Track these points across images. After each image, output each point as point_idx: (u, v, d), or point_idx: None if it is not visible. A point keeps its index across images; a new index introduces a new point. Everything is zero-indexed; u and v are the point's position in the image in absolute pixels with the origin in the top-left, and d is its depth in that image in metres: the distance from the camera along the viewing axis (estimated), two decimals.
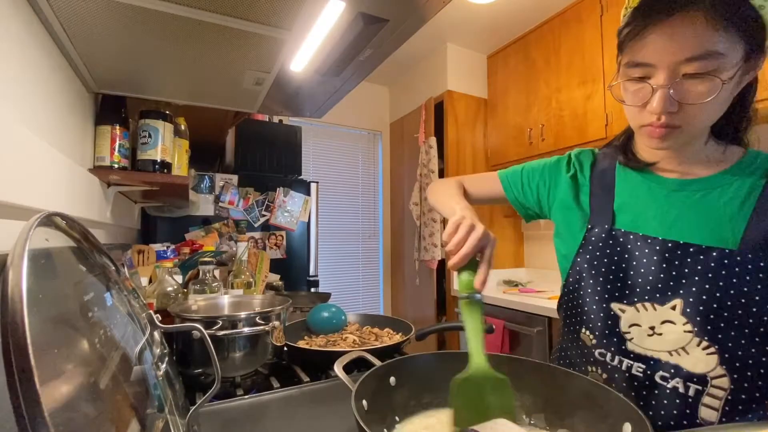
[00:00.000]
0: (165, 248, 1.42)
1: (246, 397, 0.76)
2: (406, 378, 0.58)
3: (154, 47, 0.79)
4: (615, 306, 0.60)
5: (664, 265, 0.56)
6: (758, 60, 0.51)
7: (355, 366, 0.82)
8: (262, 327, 0.81)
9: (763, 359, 0.51)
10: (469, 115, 2.73)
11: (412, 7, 0.69)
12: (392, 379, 0.57)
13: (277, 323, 0.84)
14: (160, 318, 0.54)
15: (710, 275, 0.53)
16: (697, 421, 0.54)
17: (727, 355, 0.52)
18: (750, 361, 0.52)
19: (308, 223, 2.11)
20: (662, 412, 0.56)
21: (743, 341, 0.52)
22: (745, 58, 0.49)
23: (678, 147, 0.58)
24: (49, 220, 0.39)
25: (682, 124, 0.52)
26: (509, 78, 2.58)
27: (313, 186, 2.15)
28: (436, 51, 2.81)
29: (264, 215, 2.00)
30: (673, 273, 0.56)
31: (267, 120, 2.19)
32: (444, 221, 2.61)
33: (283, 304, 0.90)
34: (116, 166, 0.99)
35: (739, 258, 0.52)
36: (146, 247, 1.36)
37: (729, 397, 0.53)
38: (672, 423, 0.55)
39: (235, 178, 1.94)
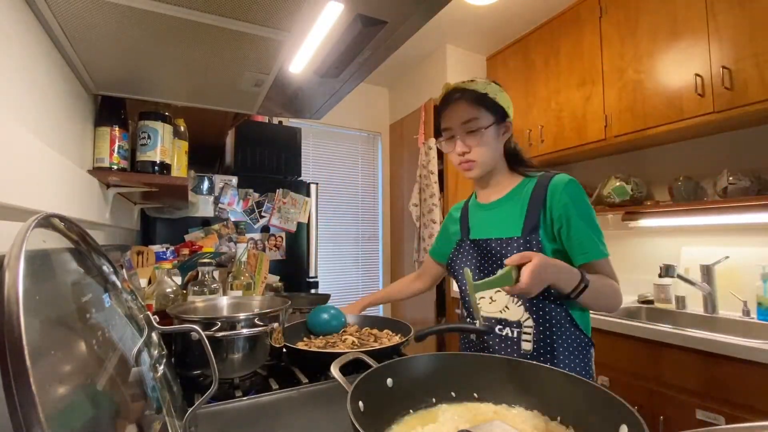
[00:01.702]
0: (164, 249, 1.42)
1: (245, 398, 0.75)
2: (403, 379, 0.58)
3: (153, 49, 0.79)
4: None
5: (488, 254, 0.92)
6: (505, 121, 0.93)
7: (354, 368, 0.81)
8: (261, 328, 0.81)
9: (549, 302, 0.84)
10: None
11: (411, 9, 0.69)
12: (389, 381, 0.57)
13: (276, 324, 0.84)
14: (158, 319, 0.54)
15: (510, 255, 0.78)
16: (522, 351, 0.85)
17: (528, 304, 0.85)
18: (541, 305, 0.84)
19: (308, 225, 2.11)
20: (502, 352, 0.87)
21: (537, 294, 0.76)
22: (496, 121, 0.91)
23: (481, 177, 0.95)
24: (46, 222, 0.39)
25: (475, 158, 0.91)
26: (508, 79, 2.58)
27: (312, 187, 2.15)
28: (436, 52, 2.81)
29: (263, 216, 2.00)
30: (493, 258, 0.90)
31: (267, 121, 2.19)
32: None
33: (282, 306, 0.89)
34: (115, 167, 0.99)
35: (521, 240, 0.86)
36: (145, 248, 1.36)
37: (534, 332, 0.84)
38: (506, 355, 0.77)
39: (234, 180, 1.94)
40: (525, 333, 0.85)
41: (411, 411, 0.58)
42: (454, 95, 0.91)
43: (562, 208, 0.85)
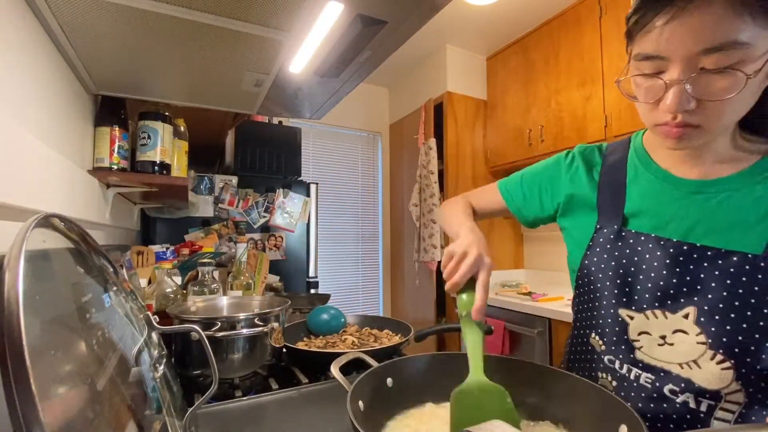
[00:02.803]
0: (164, 249, 1.42)
1: (245, 398, 0.75)
2: (403, 379, 0.58)
3: (153, 49, 0.79)
4: (623, 312, 0.56)
5: (678, 270, 0.51)
6: None
7: (354, 368, 0.81)
8: (260, 328, 0.81)
9: None
10: (469, 117, 2.73)
11: (411, 9, 0.69)
12: (389, 381, 0.57)
13: (276, 324, 0.84)
14: (158, 319, 0.54)
15: (729, 281, 0.48)
16: None
17: (743, 371, 0.48)
18: (764, 373, 0.47)
19: (308, 225, 2.11)
20: (671, 426, 0.52)
21: (764, 356, 0.47)
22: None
23: (699, 147, 0.52)
24: (46, 222, 0.39)
25: (701, 123, 0.46)
26: (508, 79, 2.59)
27: (312, 187, 2.15)
28: (436, 52, 2.81)
29: (264, 216, 2.00)
30: (687, 278, 0.51)
31: (267, 121, 2.19)
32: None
33: (282, 306, 0.89)
34: (115, 167, 0.99)
35: (762, 264, 0.47)
36: (145, 248, 1.36)
37: (743, 411, 0.49)
38: None
39: (234, 180, 1.94)
40: (724, 410, 0.50)
41: (411, 411, 0.58)
42: None
43: None
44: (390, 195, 3.41)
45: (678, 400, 0.52)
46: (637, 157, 0.62)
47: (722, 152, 0.54)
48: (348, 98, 1.24)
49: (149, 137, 1.05)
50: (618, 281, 0.57)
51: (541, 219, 0.74)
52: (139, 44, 0.77)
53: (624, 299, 0.56)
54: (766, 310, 0.47)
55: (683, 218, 0.54)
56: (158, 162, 1.06)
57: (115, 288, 0.53)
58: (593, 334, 0.62)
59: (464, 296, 0.55)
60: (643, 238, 0.56)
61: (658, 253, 0.54)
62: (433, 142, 2.67)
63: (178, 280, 1.23)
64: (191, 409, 0.53)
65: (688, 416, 0.51)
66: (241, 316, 0.81)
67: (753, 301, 0.47)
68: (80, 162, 0.91)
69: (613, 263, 0.58)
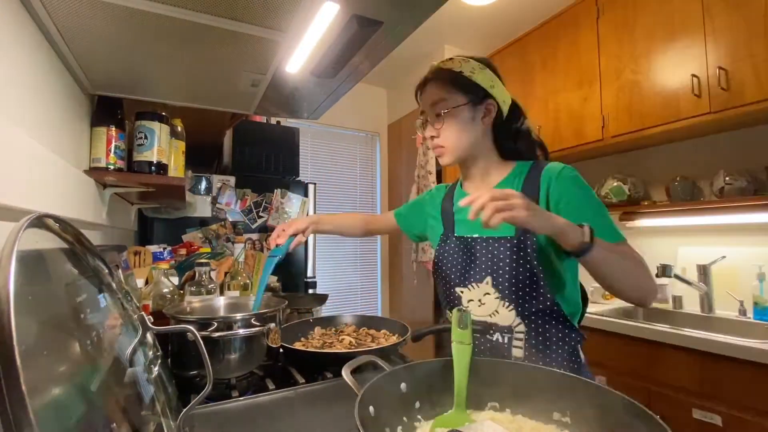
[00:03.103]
0: (161, 250, 1.42)
1: (241, 398, 0.75)
2: (418, 384, 0.57)
3: (149, 49, 0.79)
4: (458, 289, 0.84)
5: (479, 255, 0.82)
6: (485, 103, 0.83)
7: (356, 369, 0.81)
8: (257, 328, 0.81)
9: (543, 306, 0.75)
10: None
11: (406, 10, 0.69)
12: (404, 385, 0.56)
13: (272, 325, 0.84)
14: (152, 320, 0.54)
15: (502, 256, 0.78)
16: (513, 359, 0.77)
17: (520, 309, 0.77)
18: (534, 310, 0.76)
19: None
20: (492, 357, 0.78)
21: (527, 297, 0.76)
22: (471, 101, 0.82)
23: (460, 163, 0.88)
24: (40, 222, 0.39)
25: (443, 143, 0.84)
26: (506, 80, 2.58)
27: (310, 187, 2.15)
28: (434, 53, 2.81)
29: (261, 216, 2.00)
30: (484, 259, 0.81)
31: (264, 121, 2.18)
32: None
33: (279, 306, 0.89)
34: (112, 167, 0.99)
35: (515, 241, 0.77)
36: (142, 248, 1.36)
37: (526, 337, 0.77)
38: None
39: (232, 180, 1.94)
40: (516, 339, 0.78)
41: (421, 419, 0.57)
42: (429, 77, 0.85)
43: (561, 194, 0.76)
44: (388, 195, 3.41)
45: (493, 339, 0.80)
46: (458, 189, 0.96)
47: (486, 170, 0.88)
48: (346, 98, 1.24)
49: (146, 137, 1.04)
50: (454, 269, 0.85)
51: (420, 236, 1.10)
52: (136, 44, 0.77)
53: (457, 280, 0.84)
54: (520, 269, 0.76)
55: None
56: (155, 162, 1.06)
57: (110, 289, 0.53)
58: (447, 311, 0.87)
59: (458, 327, 0.63)
60: (461, 239, 0.86)
61: (465, 247, 0.84)
62: None
63: (175, 280, 1.23)
64: (185, 409, 0.53)
65: (499, 348, 0.80)
66: (238, 316, 0.81)
67: (514, 265, 0.76)
68: (76, 162, 0.90)
69: (450, 257, 0.87)
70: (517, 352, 0.78)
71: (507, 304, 0.78)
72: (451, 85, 0.82)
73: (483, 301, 0.81)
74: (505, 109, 0.85)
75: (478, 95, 0.82)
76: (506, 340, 0.79)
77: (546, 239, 0.76)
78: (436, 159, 2.72)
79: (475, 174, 0.89)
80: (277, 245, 1.02)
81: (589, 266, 0.67)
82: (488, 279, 0.79)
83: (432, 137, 0.84)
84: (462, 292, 0.83)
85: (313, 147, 3.14)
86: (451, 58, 0.86)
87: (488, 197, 0.59)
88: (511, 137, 0.88)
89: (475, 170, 0.88)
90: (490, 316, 0.80)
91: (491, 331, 0.80)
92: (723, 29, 1.51)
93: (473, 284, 0.81)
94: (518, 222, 0.60)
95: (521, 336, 0.78)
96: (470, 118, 0.82)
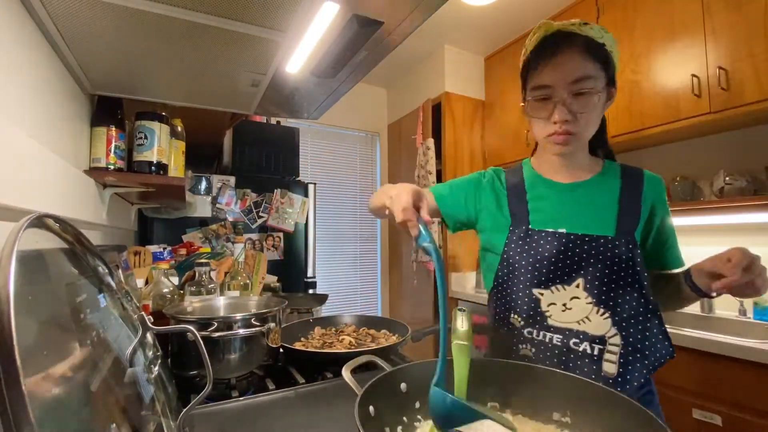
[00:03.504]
0: (161, 250, 1.42)
1: (241, 398, 0.75)
2: (417, 384, 0.57)
3: (149, 49, 0.79)
4: (536, 291, 0.74)
5: (569, 253, 0.72)
6: (612, 90, 0.73)
7: (357, 369, 0.81)
8: (257, 328, 0.81)
9: (641, 314, 0.69)
10: (467, 117, 2.73)
11: (407, 10, 0.69)
12: (403, 386, 0.56)
13: (272, 325, 0.84)
14: (152, 320, 0.54)
15: (600, 257, 0.70)
16: (602, 374, 0.68)
17: (617, 318, 0.69)
18: (632, 320, 0.69)
19: (306, 225, 2.11)
20: (577, 372, 0.69)
21: (627, 305, 0.69)
22: (608, 83, 0.71)
23: (572, 153, 0.76)
24: (40, 222, 0.39)
25: (576, 131, 0.70)
26: (506, 79, 2.59)
27: (310, 187, 2.15)
28: (434, 53, 2.81)
29: (261, 216, 2.00)
30: (576, 258, 0.71)
31: (264, 121, 2.18)
32: (441, 222, 2.60)
33: (279, 306, 0.89)
34: (112, 167, 0.99)
35: (617, 242, 0.70)
36: (142, 248, 1.36)
37: (622, 351, 0.68)
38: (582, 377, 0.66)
39: (232, 180, 1.94)
40: (609, 352, 0.68)
41: (421, 419, 0.57)
42: (563, 43, 0.69)
43: (662, 207, 0.75)
44: None
45: (579, 349, 0.70)
46: (531, 176, 0.84)
47: (581, 163, 0.79)
48: (346, 98, 1.24)
49: (146, 137, 1.04)
50: (530, 267, 0.74)
51: (463, 224, 0.89)
52: (136, 44, 0.77)
53: (535, 281, 0.74)
54: (623, 273, 0.69)
55: (565, 212, 0.76)
56: (155, 162, 1.06)
57: (110, 289, 0.53)
58: (512, 314, 0.77)
59: (459, 327, 0.60)
60: (543, 233, 0.75)
61: (555, 243, 0.73)
62: (431, 142, 2.67)
63: (175, 280, 1.23)
64: (185, 409, 0.53)
65: (587, 360, 0.70)
66: (238, 316, 0.81)
67: (615, 268, 0.69)
68: (76, 162, 0.90)
69: (524, 254, 0.75)
70: (609, 367, 0.68)
71: (602, 311, 0.69)
72: (597, 59, 0.69)
73: (569, 306, 0.71)
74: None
75: (613, 77, 0.72)
76: (596, 352, 0.69)
77: (641, 255, 0.71)
78: (437, 159, 2.73)
79: (573, 163, 0.78)
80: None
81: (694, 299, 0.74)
82: (579, 281, 0.70)
83: (565, 121, 0.69)
84: (541, 294, 0.73)
85: (313, 147, 3.14)
86: (584, 23, 0.70)
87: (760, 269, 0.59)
88: (603, 130, 0.80)
89: (570, 160, 0.78)
90: (578, 323, 0.70)
91: (576, 341, 0.70)
92: (723, 29, 1.51)
93: (558, 286, 0.72)
94: None
95: (615, 349, 0.68)
96: (604, 103, 0.72)
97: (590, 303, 0.69)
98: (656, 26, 1.73)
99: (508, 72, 2.57)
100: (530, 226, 0.77)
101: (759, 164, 1.61)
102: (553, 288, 0.72)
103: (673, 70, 1.66)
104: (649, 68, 1.75)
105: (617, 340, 0.68)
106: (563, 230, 0.73)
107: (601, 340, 0.69)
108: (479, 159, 2.76)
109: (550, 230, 0.74)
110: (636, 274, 0.69)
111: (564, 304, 0.71)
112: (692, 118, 1.59)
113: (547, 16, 2.28)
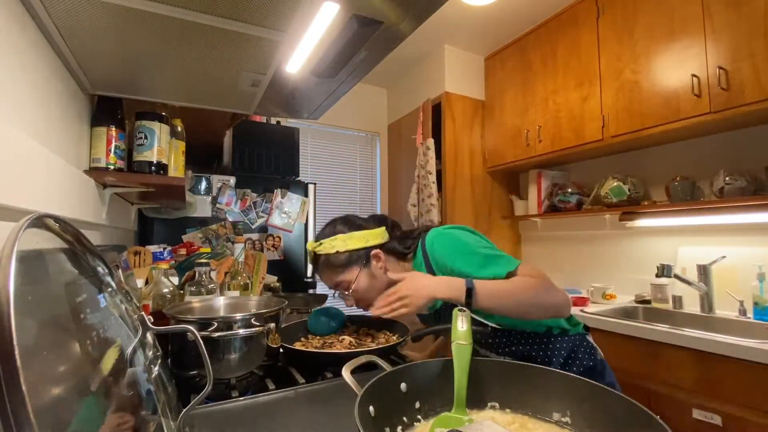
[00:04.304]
0: (161, 250, 1.42)
1: (241, 398, 0.75)
2: (418, 384, 0.57)
3: (149, 49, 0.79)
4: None
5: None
6: (370, 257, 0.92)
7: (358, 369, 0.81)
8: (257, 329, 0.81)
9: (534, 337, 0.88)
10: (467, 117, 2.73)
11: (406, 10, 0.69)
12: (403, 385, 0.56)
13: (273, 325, 0.84)
14: (152, 320, 0.54)
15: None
16: None
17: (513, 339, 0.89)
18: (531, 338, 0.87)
19: (306, 225, 2.11)
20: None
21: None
22: (361, 266, 0.91)
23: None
24: (40, 222, 0.39)
25: (368, 304, 0.92)
26: (506, 80, 2.59)
27: (310, 187, 2.14)
28: (434, 53, 2.81)
29: (261, 216, 2.00)
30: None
31: (264, 121, 2.18)
32: (441, 223, 2.61)
33: (279, 306, 0.89)
34: (112, 167, 0.99)
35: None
36: (142, 248, 1.36)
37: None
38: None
39: (232, 180, 1.94)
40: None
41: (421, 419, 0.57)
42: (316, 263, 0.94)
43: (438, 254, 0.87)
44: (388, 195, 3.41)
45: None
46: None
47: (404, 271, 0.94)
48: (346, 98, 1.24)
49: (146, 137, 1.04)
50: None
51: None
52: (136, 44, 0.77)
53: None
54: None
55: None
56: (155, 162, 1.06)
57: (109, 289, 0.53)
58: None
59: (459, 327, 0.62)
60: None
61: None
62: (431, 142, 2.67)
63: (175, 280, 1.23)
64: (185, 409, 0.53)
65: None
66: (238, 316, 0.81)
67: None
68: (76, 162, 0.90)
69: None
70: None
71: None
72: (337, 266, 0.91)
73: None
74: (382, 239, 0.95)
75: (363, 257, 0.91)
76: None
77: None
78: (437, 159, 2.73)
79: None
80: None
81: (479, 308, 0.75)
82: None
83: (354, 304, 0.94)
84: None
85: (313, 147, 3.14)
86: (320, 242, 0.91)
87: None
88: (400, 242, 0.97)
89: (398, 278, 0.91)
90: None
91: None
92: (723, 29, 1.51)
93: None
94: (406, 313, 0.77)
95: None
96: (369, 275, 0.91)
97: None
98: (656, 26, 1.73)
99: (508, 72, 2.58)
100: None
101: (759, 164, 1.61)
102: None
103: (673, 70, 1.66)
104: (649, 68, 1.75)
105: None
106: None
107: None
108: (479, 159, 2.76)
109: None
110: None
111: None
112: (692, 118, 1.59)
113: (546, 15, 2.28)
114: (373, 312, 0.80)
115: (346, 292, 0.91)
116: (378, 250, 0.93)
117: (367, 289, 0.91)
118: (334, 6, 0.67)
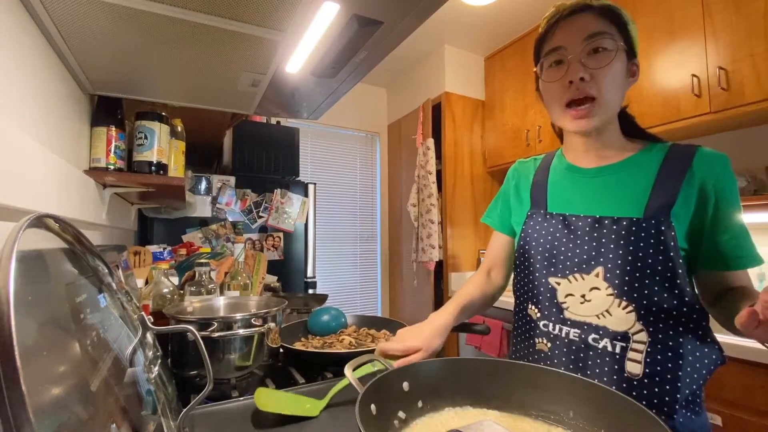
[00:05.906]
0: (161, 250, 1.42)
1: (241, 398, 0.75)
2: (419, 384, 0.57)
3: (149, 49, 0.79)
4: (552, 279, 0.69)
5: (586, 238, 0.66)
6: (634, 67, 0.69)
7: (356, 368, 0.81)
8: (257, 328, 0.81)
9: (674, 308, 0.59)
10: (467, 117, 2.73)
11: (407, 10, 0.69)
12: (405, 384, 0.55)
13: (272, 325, 0.84)
14: (152, 320, 0.54)
15: (622, 242, 0.62)
16: (625, 375, 0.61)
17: (642, 312, 0.60)
18: (663, 315, 0.60)
19: (306, 225, 2.11)
20: (597, 370, 0.64)
21: (656, 297, 0.59)
22: (627, 51, 0.66)
23: (597, 130, 0.68)
24: (39, 222, 0.39)
25: (595, 94, 0.64)
26: (506, 80, 2.59)
27: (310, 187, 2.14)
28: (434, 53, 2.81)
29: (261, 216, 2.00)
30: (594, 244, 0.65)
31: (264, 121, 2.19)
32: (441, 223, 2.61)
33: (279, 306, 0.89)
34: (112, 167, 0.99)
35: (644, 224, 0.61)
36: (142, 248, 1.36)
37: (649, 350, 0.60)
38: (605, 379, 0.63)
39: (232, 180, 1.94)
40: (633, 350, 0.61)
41: (427, 416, 0.56)
42: (578, 9, 0.66)
43: (719, 184, 0.60)
44: (388, 195, 3.41)
45: (599, 346, 0.63)
46: (557, 160, 0.80)
47: (610, 145, 0.70)
48: (346, 98, 1.24)
49: (146, 137, 1.04)
50: (546, 254, 0.70)
51: (515, 223, 0.85)
52: (136, 44, 0.77)
53: (552, 269, 0.69)
54: (650, 260, 0.60)
55: (587, 198, 0.70)
56: (155, 162, 1.06)
57: (110, 289, 0.52)
58: (530, 305, 0.74)
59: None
60: (561, 216, 0.70)
61: (572, 227, 0.68)
62: (431, 142, 2.67)
63: (175, 280, 1.23)
64: (185, 409, 0.52)
65: (607, 358, 0.62)
66: (238, 316, 0.81)
67: (641, 254, 0.60)
68: (76, 162, 0.90)
69: (540, 240, 0.72)
70: (633, 367, 0.61)
71: (624, 303, 0.61)
72: (612, 21, 0.65)
73: (588, 298, 0.64)
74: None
75: (631, 49, 0.67)
76: (618, 350, 0.62)
77: (684, 233, 0.61)
78: (437, 159, 2.73)
79: (602, 144, 0.70)
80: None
81: None
82: (599, 270, 0.63)
83: (580, 79, 0.63)
84: (558, 283, 0.68)
85: (313, 147, 3.14)
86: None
87: None
88: (628, 114, 0.73)
89: (604, 139, 0.70)
90: (597, 317, 0.63)
91: (595, 336, 0.63)
92: (723, 29, 1.51)
93: (576, 275, 0.66)
94: None
95: (641, 347, 0.60)
96: (623, 72, 0.66)
97: (611, 295, 0.62)
98: (656, 26, 1.73)
99: (508, 72, 2.58)
100: (548, 210, 0.73)
101: (759, 164, 1.61)
102: (570, 277, 0.66)
103: (673, 70, 1.66)
104: (649, 68, 1.75)
105: (643, 336, 0.60)
106: (581, 214, 0.68)
107: (624, 336, 0.61)
108: (479, 159, 2.76)
109: (567, 213, 0.69)
110: (668, 261, 0.58)
111: (582, 296, 0.64)
112: (692, 118, 1.59)
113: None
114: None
115: (600, 49, 0.63)
116: (638, 67, 0.70)
117: (617, 75, 0.64)
118: (334, 6, 0.67)
